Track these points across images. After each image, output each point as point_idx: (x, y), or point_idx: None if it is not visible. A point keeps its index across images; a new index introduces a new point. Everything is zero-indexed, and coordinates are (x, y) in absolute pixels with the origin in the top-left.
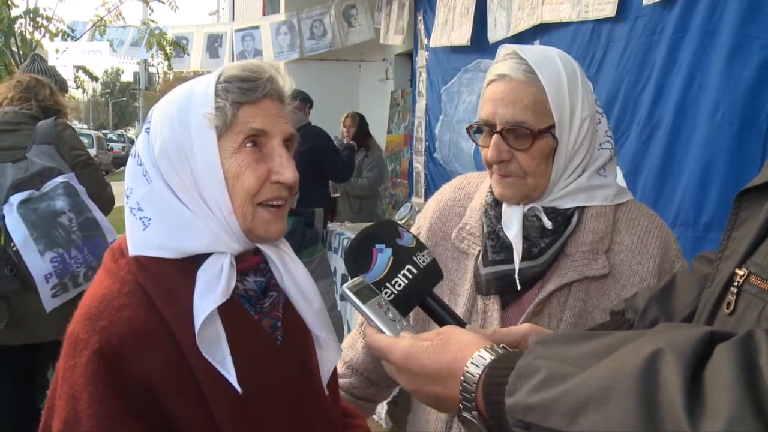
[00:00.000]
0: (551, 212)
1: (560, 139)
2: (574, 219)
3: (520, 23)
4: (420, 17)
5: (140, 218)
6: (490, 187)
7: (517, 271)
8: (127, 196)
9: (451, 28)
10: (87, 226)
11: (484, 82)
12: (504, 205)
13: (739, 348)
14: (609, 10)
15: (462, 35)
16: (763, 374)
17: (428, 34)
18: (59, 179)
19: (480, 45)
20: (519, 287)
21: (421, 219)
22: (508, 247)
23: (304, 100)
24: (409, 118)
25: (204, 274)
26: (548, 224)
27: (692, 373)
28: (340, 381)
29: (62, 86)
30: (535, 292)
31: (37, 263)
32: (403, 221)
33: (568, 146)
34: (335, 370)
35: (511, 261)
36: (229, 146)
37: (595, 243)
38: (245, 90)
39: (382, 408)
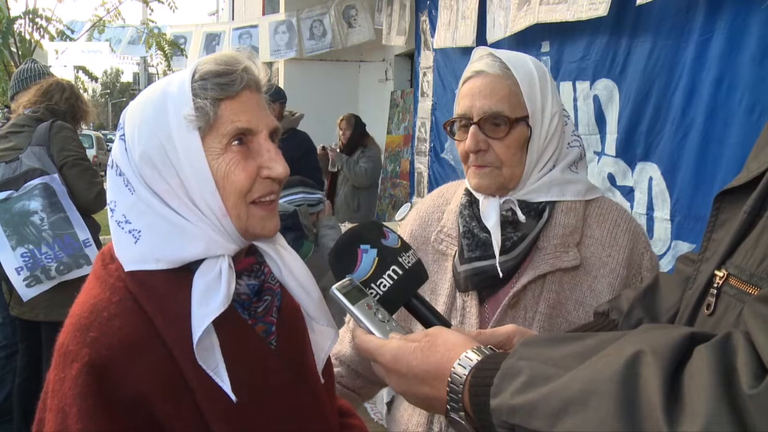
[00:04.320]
0: (524, 206)
1: (533, 129)
2: (545, 214)
3: (516, 24)
4: (424, 18)
5: (129, 231)
6: (465, 189)
7: (497, 260)
8: (112, 210)
9: (455, 29)
10: (59, 225)
11: (461, 81)
12: (481, 198)
13: (717, 350)
14: (602, 9)
15: (466, 36)
16: (740, 376)
17: (434, 35)
18: (38, 180)
19: (483, 46)
20: (501, 275)
21: (402, 227)
22: (483, 244)
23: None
24: (409, 118)
25: (201, 279)
26: (522, 217)
27: (672, 375)
28: None
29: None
30: (511, 286)
31: (9, 257)
32: (403, 221)
33: (540, 137)
34: (332, 370)
35: (486, 257)
36: (215, 147)
37: (566, 236)
38: (223, 85)
39: (383, 408)
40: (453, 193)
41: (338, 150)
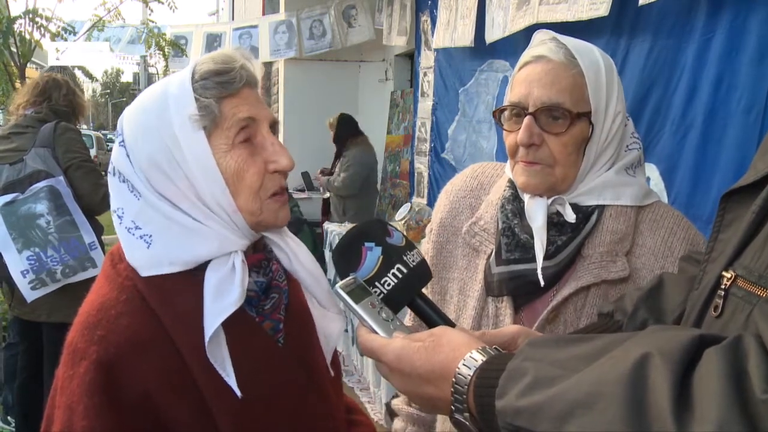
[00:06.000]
0: (572, 209)
1: (594, 127)
2: (593, 218)
3: (515, 23)
4: (425, 17)
5: (140, 237)
6: (509, 181)
7: (540, 266)
8: (120, 217)
9: (454, 29)
10: (65, 228)
11: (516, 66)
12: (527, 197)
13: (728, 353)
14: (603, 9)
15: (465, 36)
16: (752, 380)
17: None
18: (44, 183)
19: (491, 45)
20: (543, 283)
21: (434, 213)
22: (523, 246)
23: None
24: (409, 118)
25: (214, 274)
26: (571, 217)
27: (681, 378)
28: None
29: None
30: (550, 297)
31: (15, 260)
32: (403, 221)
33: (600, 138)
34: (339, 368)
35: (525, 260)
36: (221, 144)
37: (614, 244)
38: (224, 83)
39: (382, 408)
40: (490, 178)
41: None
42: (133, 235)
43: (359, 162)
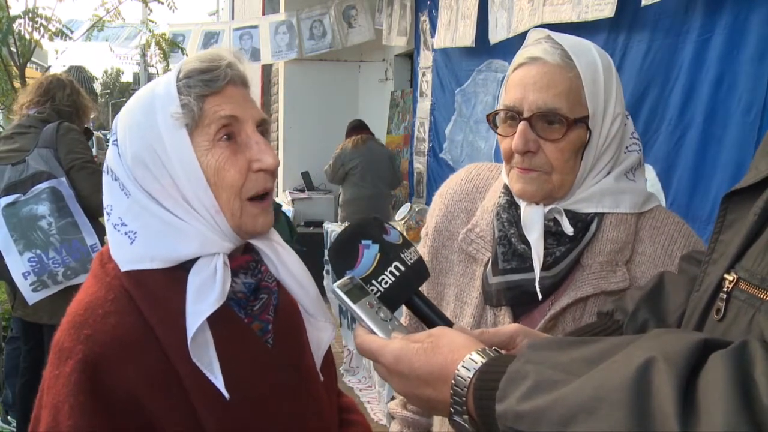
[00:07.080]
0: (570, 217)
1: (592, 132)
2: (593, 226)
3: (520, 24)
4: (424, 18)
5: (125, 233)
6: (505, 187)
7: (537, 279)
8: (108, 213)
9: (455, 29)
10: (67, 230)
11: (510, 67)
12: (523, 205)
13: (734, 359)
14: (608, 10)
15: (466, 37)
16: (758, 386)
17: (434, 35)
18: (45, 184)
19: (490, 45)
20: (540, 296)
21: (429, 217)
22: (520, 255)
23: None
24: (409, 118)
25: (196, 277)
26: (569, 229)
27: (686, 384)
28: None
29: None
30: (548, 306)
31: (16, 261)
32: (403, 221)
33: (598, 142)
34: (333, 368)
35: (523, 270)
36: (203, 142)
37: (614, 253)
38: (207, 81)
39: (385, 407)
40: (485, 180)
41: None
42: (119, 231)
43: (334, 155)
